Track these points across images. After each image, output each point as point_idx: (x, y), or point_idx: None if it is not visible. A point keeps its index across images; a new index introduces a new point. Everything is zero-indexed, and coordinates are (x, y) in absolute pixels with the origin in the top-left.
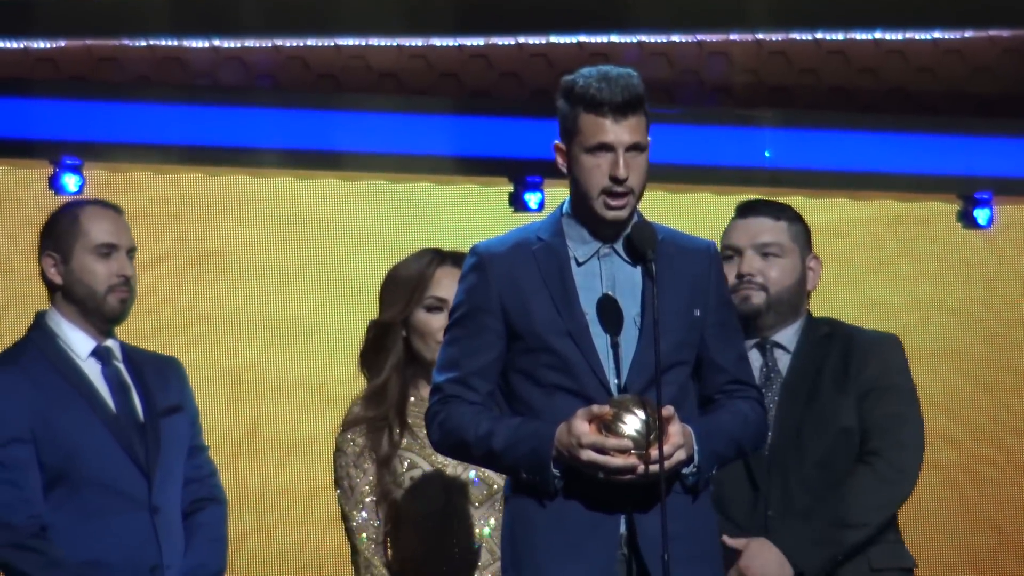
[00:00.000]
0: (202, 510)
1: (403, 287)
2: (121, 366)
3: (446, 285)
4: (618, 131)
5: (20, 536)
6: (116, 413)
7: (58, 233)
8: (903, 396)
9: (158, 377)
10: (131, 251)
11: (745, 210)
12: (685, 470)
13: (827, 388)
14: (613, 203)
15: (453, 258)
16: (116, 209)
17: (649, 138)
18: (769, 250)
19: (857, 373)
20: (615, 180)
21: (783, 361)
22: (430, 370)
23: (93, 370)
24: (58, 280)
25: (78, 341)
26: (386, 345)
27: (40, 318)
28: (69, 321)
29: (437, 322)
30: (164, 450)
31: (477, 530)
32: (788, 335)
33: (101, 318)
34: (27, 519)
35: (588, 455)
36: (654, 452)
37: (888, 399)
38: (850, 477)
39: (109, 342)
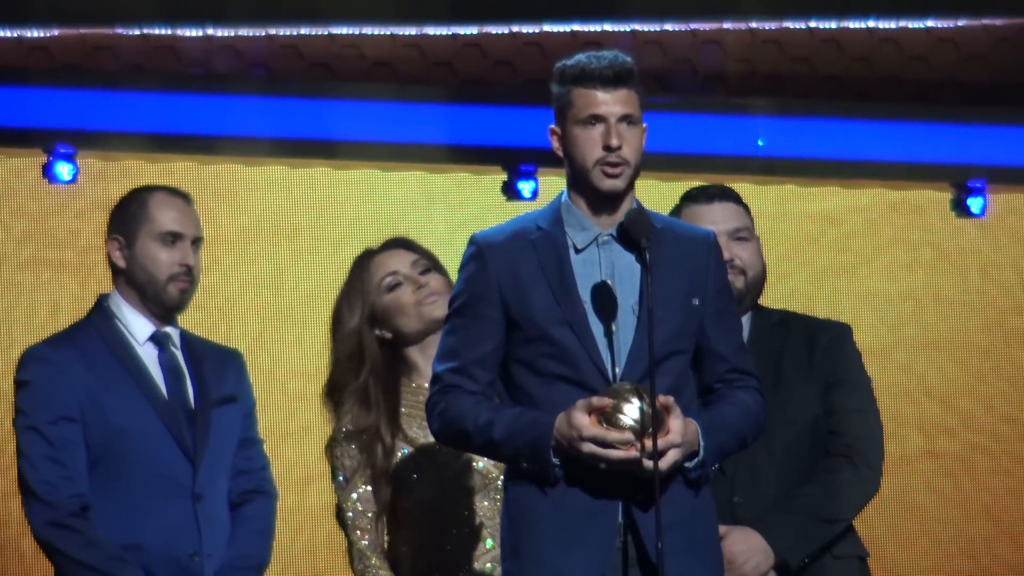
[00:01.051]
0: (250, 502)
1: (353, 295)
2: (178, 352)
3: (392, 262)
4: (609, 102)
5: (59, 514)
6: (167, 398)
7: (125, 217)
8: (867, 390)
9: (215, 367)
10: (196, 241)
11: (708, 196)
12: (689, 463)
13: (791, 376)
14: (609, 171)
15: (385, 243)
16: (185, 197)
17: (645, 124)
18: (740, 235)
19: (823, 362)
20: (608, 148)
21: None
22: (419, 352)
23: (149, 355)
24: (121, 264)
25: (137, 325)
26: (361, 357)
27: (101, 300)
28: (129, 305)
29: (405, 296)
30: (213, 438)
31: (472, 518)
32: (743, 321)
33: (160, 305)
34: (68, 498)
35: (589, 448)
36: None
37: (857, 393)
38: (830, 473)
39: (168, 328)
